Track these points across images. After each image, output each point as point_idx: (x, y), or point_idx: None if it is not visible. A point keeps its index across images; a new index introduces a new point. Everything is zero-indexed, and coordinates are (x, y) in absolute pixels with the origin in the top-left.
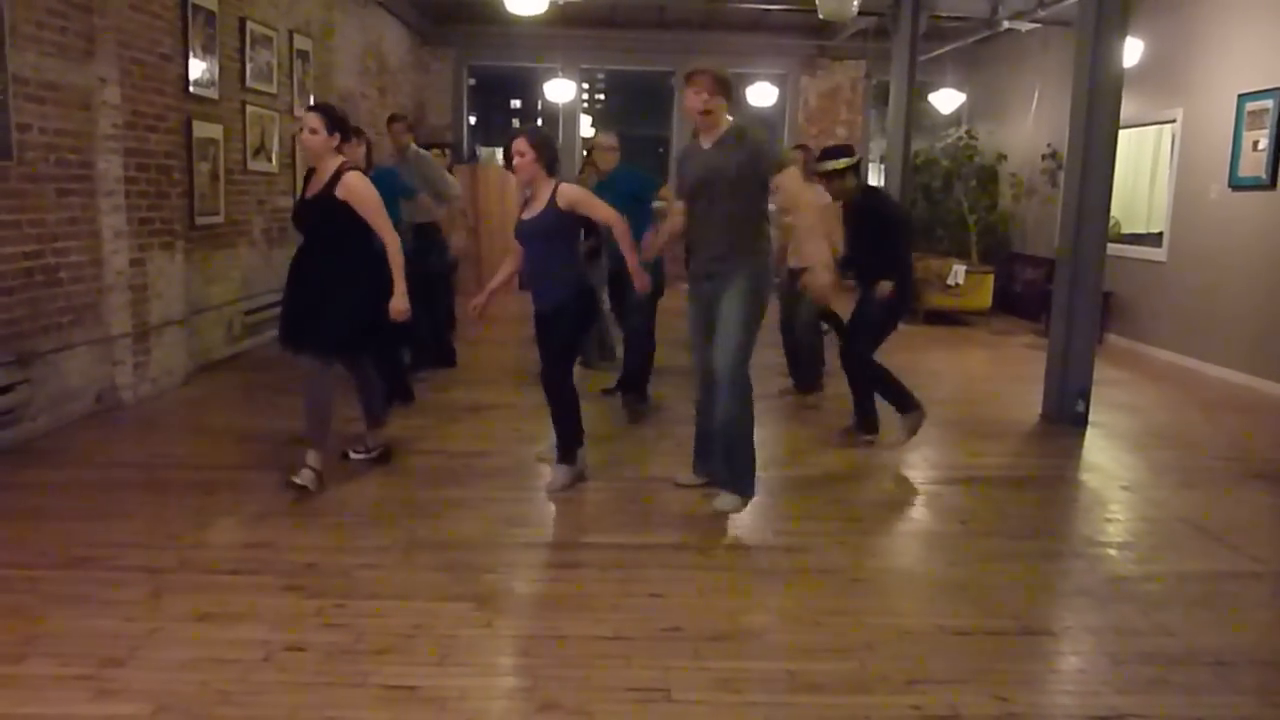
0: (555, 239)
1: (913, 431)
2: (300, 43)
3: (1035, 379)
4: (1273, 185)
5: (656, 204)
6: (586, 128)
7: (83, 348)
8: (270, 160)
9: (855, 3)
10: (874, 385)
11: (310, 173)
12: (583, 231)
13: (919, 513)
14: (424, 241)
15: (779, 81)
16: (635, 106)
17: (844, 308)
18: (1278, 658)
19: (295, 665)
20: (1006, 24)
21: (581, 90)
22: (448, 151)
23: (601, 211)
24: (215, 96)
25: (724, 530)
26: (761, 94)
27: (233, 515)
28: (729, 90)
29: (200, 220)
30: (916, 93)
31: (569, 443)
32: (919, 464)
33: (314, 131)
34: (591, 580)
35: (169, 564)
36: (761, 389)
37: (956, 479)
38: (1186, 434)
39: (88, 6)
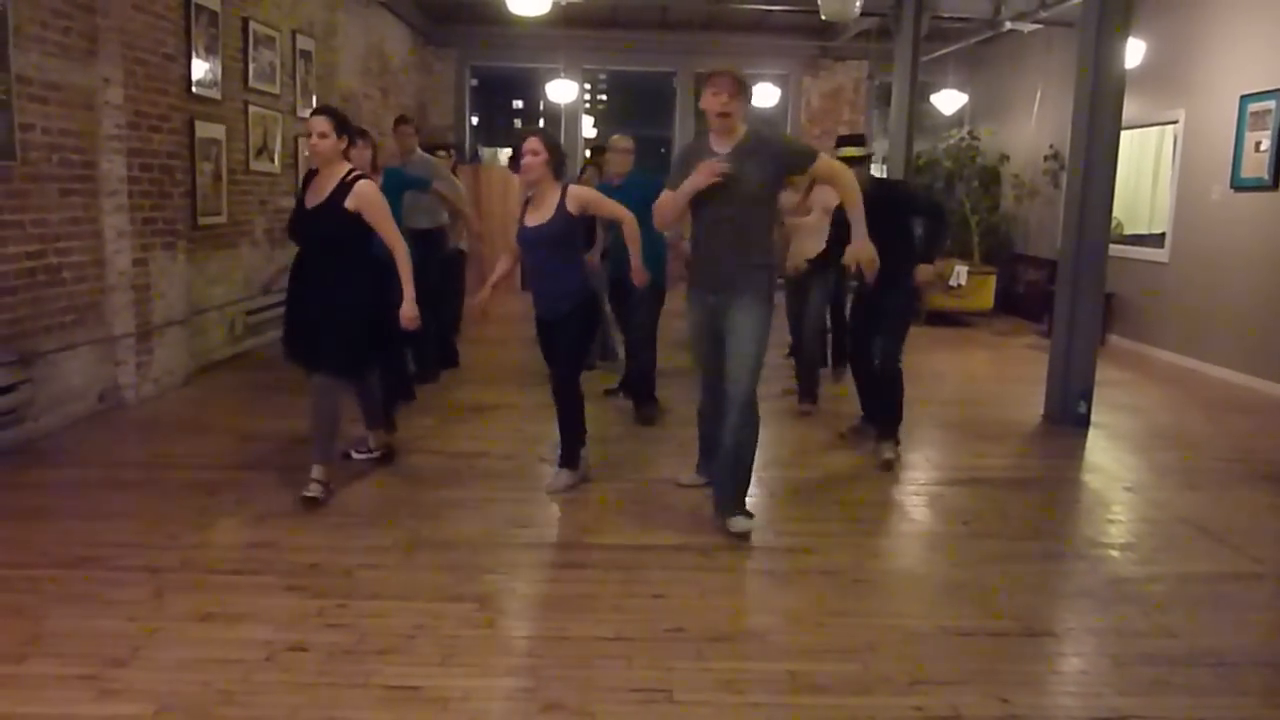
0: (563, 245)
1: (890, 464)
2: (303, 43)
3: (1037, 380)
4: (1275, 186)
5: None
6: (588, 128)
7: (85, 347)
8: (273, 161)
9: (857, 3)
10: (899, 394)
11: (309, 177)
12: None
13: (921, 514)
14: (424, 249)
15: (781, 82)
16: (637, 107)
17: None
18: None
19: (297, 665)
20: (1009, 25)
21: (583, 91)
22: (452, 152)
23: (613, 210)
24: (218, 97)
25: (726, 532)
26: (764, 95)
27: (234, 515)
28: (749, 94)
29: (203, 220)
30: (919, 93)
31: (574, 447)
32: (921, 465)
33: (324, 136)
34: (594, 581)
35: (171, 564)
36: (763, 389)
37: (958, 480)
38: (1189, 435)
39: (91, 7)
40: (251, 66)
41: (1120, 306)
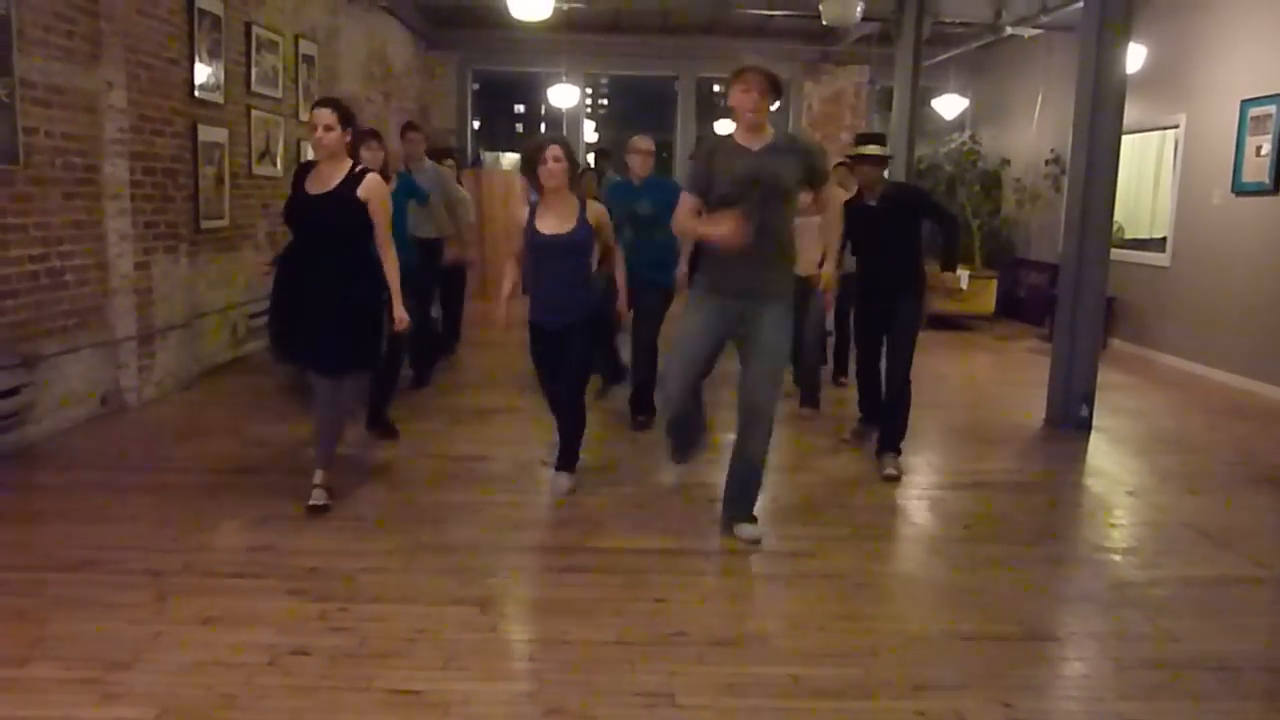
0: (581, 256)
1: (894, 478)
2: (305, 47)
3: (1039, 384)
4: (1276, 190)
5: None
6: (590, 132)
7: (87, 350)
8: (275, 164)
9: (859, 8)
10: (907, 408)
11: (304, 170)
12: None
13: (923, 518)
14: (426, 257)
15: (782, 86)
16: (639, 111)
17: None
18: None
19: (299, 669)
20: (1010, 29)
21: (585, 95)
22: (455, 158)
23: (609, 239)
24: (220, 101)
25: (732, 537)
26: None
27: (236, 518)
28: (779, 93)
29: (205, 224)
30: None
31: (575, 451)
32: (922, 469)
33: (329, 129)
34: (595, 585)
35: (173, 567)
36: None
37: (960, 484)
38: (1191, 439)
39: (94, 11)
40: (254, 71)
41: (1122, 310)
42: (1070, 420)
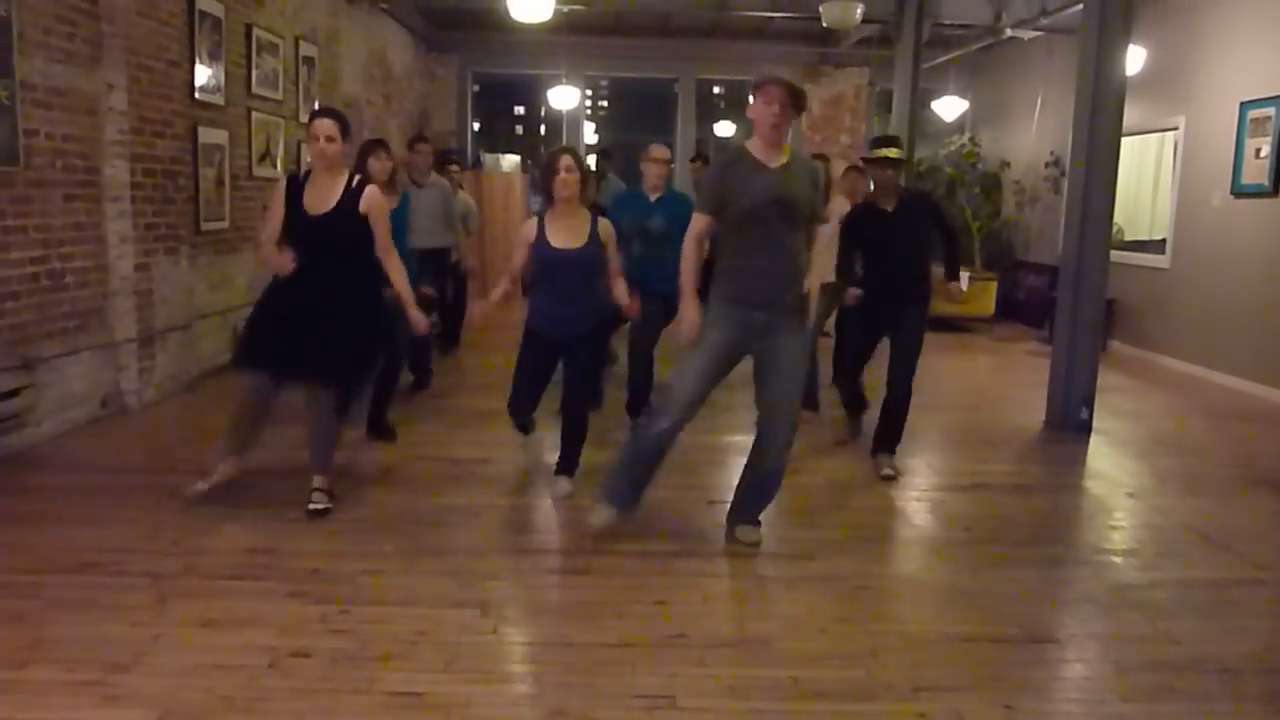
0: (591, 270)
1: (891, 478)
2: (306, 49)
3: (1039, 386)
4: (1275, 193)
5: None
6: (590, 135)
7: (87, 352)
8: (275, 166)
9: (859, 10)
10: (906, 413)
11: (295, 185)
12: None
13: (923, 520)
14: (426, 268)
15: (805, 100)
16: (639, 114)
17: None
18: None
19: (300, 671)
20: (1009, 32)
21: (585, 97)
22: (459, 163)
23: (616, 261)
24: (221, 103)
25: (734, 539)
26: None
27: (237, 521)
28: (802, 107)
29: (205, 226)
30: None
31: (577, 457)
32: (923, 471)
33: (331, 140)
34: (596, 587)
35: (173, 569)
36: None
37: (960, 486)
38: (1191, 441)
39: (95, 13)
40: (255, 73)
41: (1121, 312)
42: (1070, 422)
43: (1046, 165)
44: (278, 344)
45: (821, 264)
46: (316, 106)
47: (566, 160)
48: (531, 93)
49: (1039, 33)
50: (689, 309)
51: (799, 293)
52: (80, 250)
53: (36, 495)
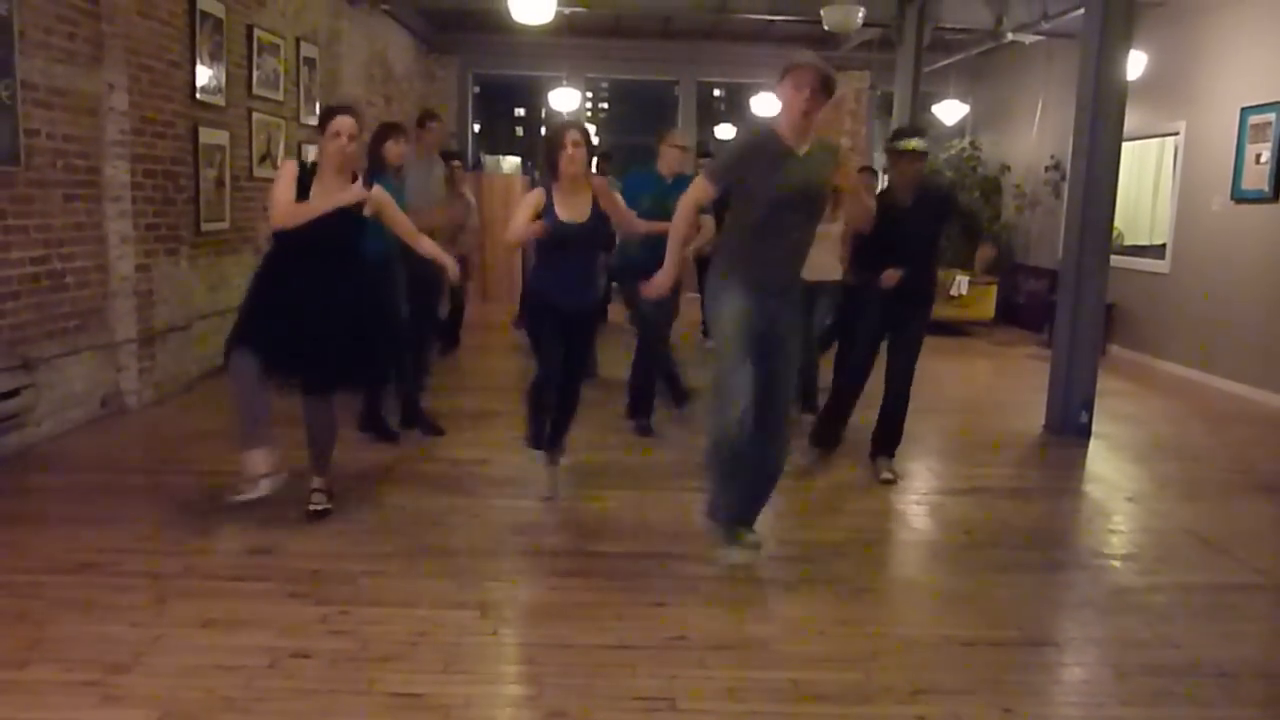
0: (597, 243)
1: (891, 482)
2: (307, 50)
3: (1038, 390)
4: (1275, 198)
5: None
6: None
7: (88, 353)
8: (276, 167)
9: (860, 14)
10: (905, 414)
11: (307, 177)
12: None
13: (922, 523)
14: (417, 259)
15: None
16: (639, 116)
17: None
18: None
19: (300, 672)
20: (1010, 36)
21: (586, 99)
22: (460, 160)
23: (619, 205)
24: (222, 103)
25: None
26: (766, 104)
27: (237, 521)
28: (832, 93)
29: (206, 226)
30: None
31: (567, 431)
32: (922, 475)
33: (353, 138)
34: (596, 589)
35: (173, 570)
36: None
37: (960, 490)
38: (1190, 446)
39: (96, 13)
40: (255, 73)
41: (1121, 317)
42: (1070, 426)
43: (1047, 169)
44: (273, 335)
45: (824, 262)
46: (334, 103)
47: (574, 135)
48: (532, 95)
49: (1040, 37)
50: (671, 268)
51: (800, 279)
52: (81, 250)
53: (36, 495)
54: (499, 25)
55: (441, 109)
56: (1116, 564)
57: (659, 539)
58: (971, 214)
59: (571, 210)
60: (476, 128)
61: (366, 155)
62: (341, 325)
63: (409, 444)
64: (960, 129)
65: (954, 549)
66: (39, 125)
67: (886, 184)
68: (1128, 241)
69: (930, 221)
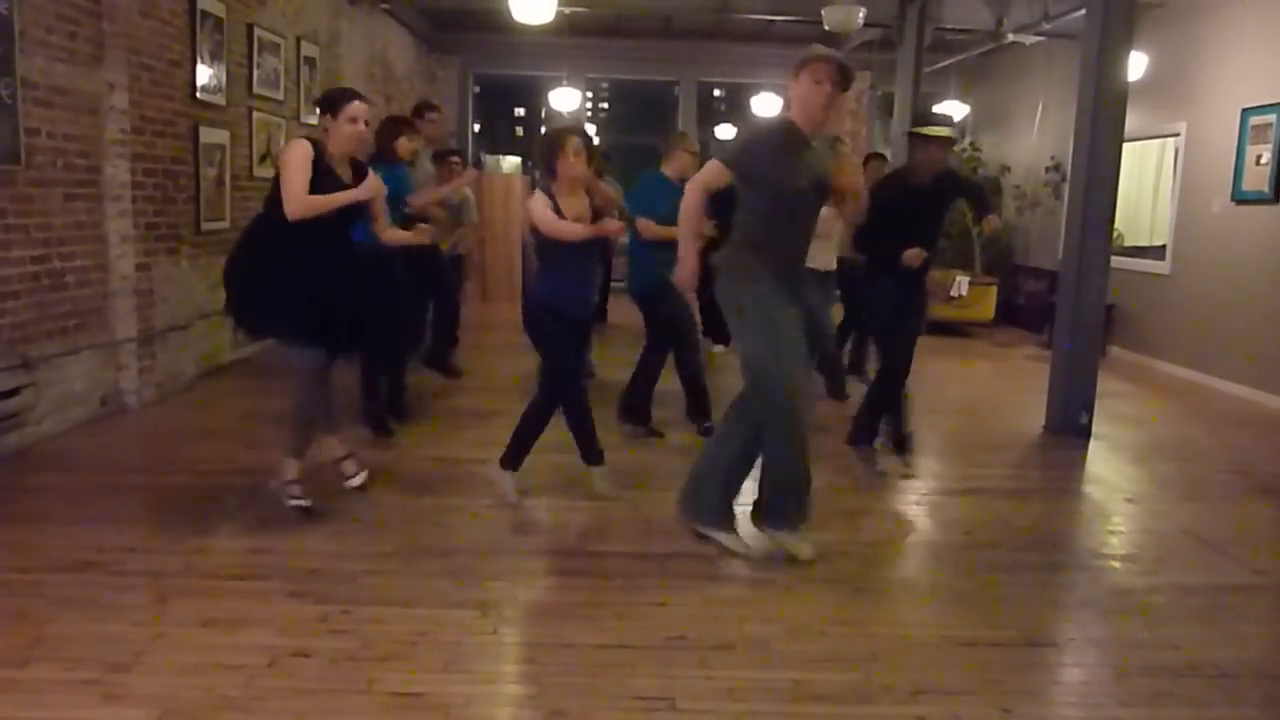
0: (598, 248)
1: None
2: (307, 49)
3: (1038, 391)
4: (1276, 200)
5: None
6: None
7: (88, 352)
8: (276, 166)
9: (860, 14)
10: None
11: (320, 159)
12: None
13: (922, 524)
14: (414, 254)
15: (783, 92)
16: (639, 116)
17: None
18: None
19: (300, 671)
20: (1011, 37)
21: (586, 99)
22: (460, 157)
23: (614, 201)
24: (222, 102)
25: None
26: (766, 104)
27: (237, 520)
28: (848, 85)
29: (206, 226)
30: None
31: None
32: (922, 475)
33: (367, 123)
34: (596, 588)
35: (174, 569)
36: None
37: (960, 490)
38: (1190, 447)
39: (97, 12)
40: (256, 73)
41: (1121, 318)
42: (1070, 427)
43: (1047, 170)
44: (325, 324)
45: (818, 252)
46: (343, 88)
47: (575, 144)
48: (532, 94)
49: (1040, 38)
50: (689, 257)
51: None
52: (81, 249)
53: (36, 494)
54: (499, 25)
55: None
56: (1116, 565)
57: (659, 539)
58: (979, 186)
59: (573, 214)
60: (476, 127)
61: (375, 146)
62: (360, 290)
63: (409, 443)
64: (961, 130)
65: (954, 549)
66: (39, 124)
67: (906, 165)
68: (1128, 243)
69: (943, 203)
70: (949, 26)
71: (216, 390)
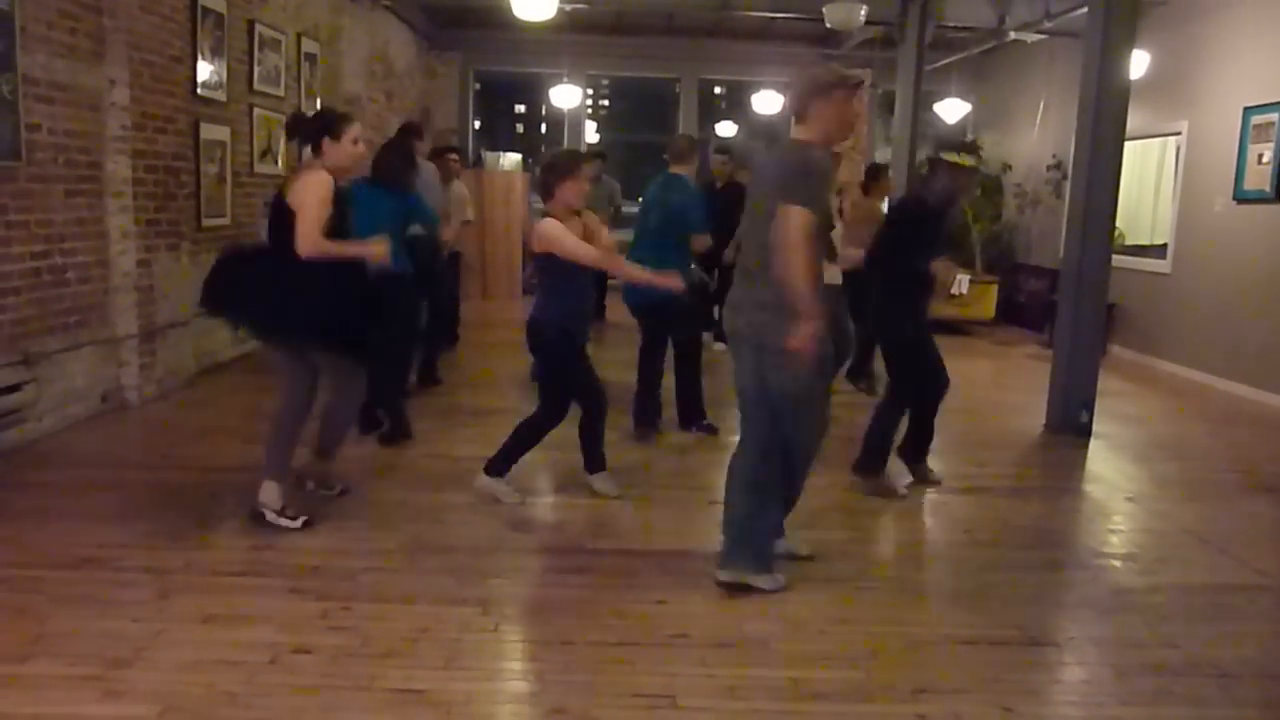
0: (592, 272)
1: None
2: (308, 46)
3: (1039, 390)
4: (1277, 198)
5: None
6: (591, 134)
7: (89, 348)
8: (277, 163)
9: (862, 12)
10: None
11: (338, 196)
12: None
13: (923, 522)
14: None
15: (784, 89)
16: (641, 112)
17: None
18: None
19: (301, 668)
20: (1013, 35)
21: (586, 96)
22: (459, 154)
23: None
24: (223, 99)
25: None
26: (767, 102)
27: (237, 517)
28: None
29: (207, 222)
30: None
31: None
32: (922, 474)
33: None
34: (597, 586)
35: (174, 565)
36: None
37: (960, 489)
38: (1190, 446)
39: (97, 8)
40: (256, 69)
41: (1122, 316)
42: (1070, 426)
43: (1048, 169)
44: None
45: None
46: (340, 110)
47: (590, 170)
48: (533, 91)
49: (1042, 36)
50: (812, 319)
51: None
52: (82, 246)
53: (37, 491)
54: (500, 21)
55: (441, 105)
56: (1116, 564)
57: (659, 537)
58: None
59: (575, 236)
60: (477, 124)
61: (398, 169)
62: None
63: (409, 441)
64: (962, 128)
65: (954, 548)
66: (40, 120)
67: (927, 186)
68: (1129, 241)
69: (949, 216)
70: (950, 24)
71: (217, 387)
